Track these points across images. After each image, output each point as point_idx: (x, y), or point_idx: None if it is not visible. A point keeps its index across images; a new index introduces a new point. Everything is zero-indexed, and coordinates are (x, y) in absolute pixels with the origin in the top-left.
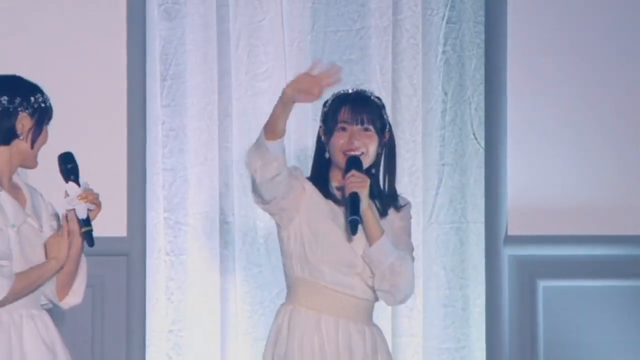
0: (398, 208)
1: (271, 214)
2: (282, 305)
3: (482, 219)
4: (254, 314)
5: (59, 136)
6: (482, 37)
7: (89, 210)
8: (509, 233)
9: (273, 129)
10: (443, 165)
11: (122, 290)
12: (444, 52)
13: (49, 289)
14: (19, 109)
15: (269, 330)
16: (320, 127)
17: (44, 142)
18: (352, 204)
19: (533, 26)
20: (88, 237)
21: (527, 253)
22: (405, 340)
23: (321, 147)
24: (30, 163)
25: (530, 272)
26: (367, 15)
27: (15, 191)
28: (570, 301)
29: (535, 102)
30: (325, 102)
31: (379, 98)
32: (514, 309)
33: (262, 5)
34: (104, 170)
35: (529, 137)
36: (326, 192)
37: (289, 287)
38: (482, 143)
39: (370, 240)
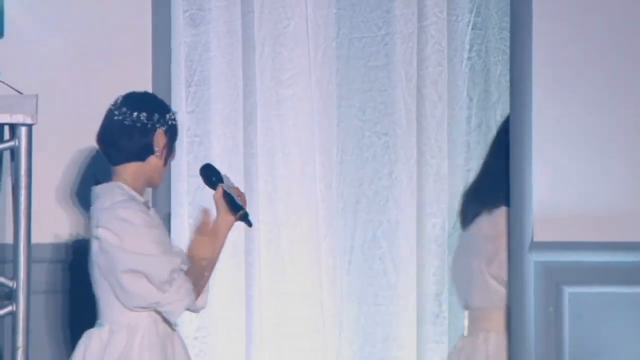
0: None
1: None
2: None
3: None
4: (279, 321)
5: (85, 142)
6: (508, 43)
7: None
8: (535, 239)
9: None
10: (468, 171)
11: None
12: (469, 58)
13: None
14: (157, 126)
15: None
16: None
17: (173, 158)
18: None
19: (558, 32)
20: (246, 219)
21: (552, 259)
22: (431, 347)
23: None
24: (158, 180)
25: (556, 278)
26: (392, 21)
27: None
28: (597, 308)
29: (561, 108)
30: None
31: None
32: (539, 315)
33: (286, 12)
34: None
35: (555, 143)
36: None
37: None
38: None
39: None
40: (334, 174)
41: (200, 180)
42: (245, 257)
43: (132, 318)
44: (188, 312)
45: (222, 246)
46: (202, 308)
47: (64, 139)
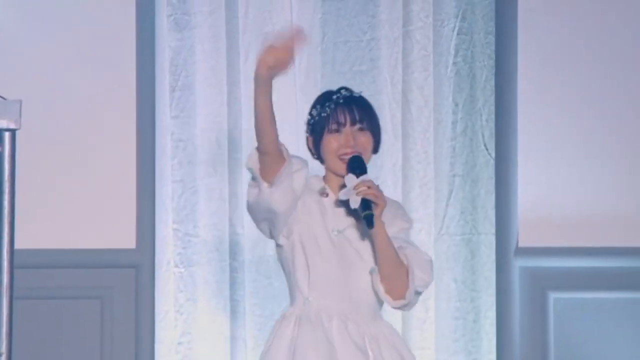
0: None
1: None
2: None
3: (493, 231)
4: (263, 326)
5: (68, 146)
6: (493, 48)
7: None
8: (520, 245)
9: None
10: (454, 176)
11: (131, 302)
12: (454, 63)
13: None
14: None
15: None
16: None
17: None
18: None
19: (544, 37)
20: (367, 220)
21: (538, 265)
22: (417, 352)
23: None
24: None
25: (542, 283)
26: (378, 26)
27: None
28: (582, 313)
29: (547, 113)
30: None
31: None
32: (525, 321)
33: (271, 17)
34: (113, 182)
35: (540, 149)
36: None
37: None
38: (493, 154)
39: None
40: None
41: (184, 184)
42: (230, 261)
43: None
44: (173, 318)
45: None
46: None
47: (48, 144)
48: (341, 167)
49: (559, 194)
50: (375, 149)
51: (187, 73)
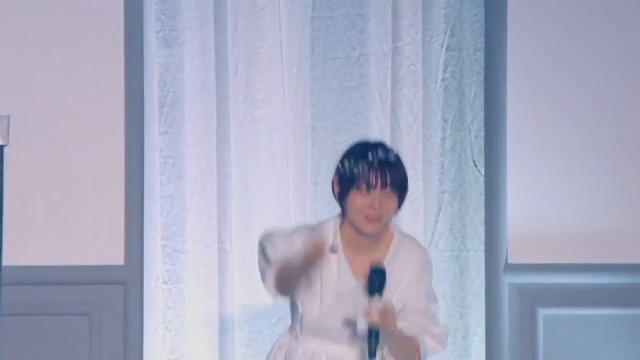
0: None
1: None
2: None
3: (482, 247)
4: (252, 342)
5: (57, 162)
6: (482, 64)
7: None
8: (509, 261)
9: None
10: (443, 192)
11: (120, 318)
12: (443, 79)
13: None
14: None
15: None
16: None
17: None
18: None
19: (533, 54)
20: (370, 352)
21: (527, 281)
22: None
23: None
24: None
25: (531, 300)
26: (367, 42)
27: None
28: (571, 330)
29: (535, 129)
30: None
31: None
32: (514, 337)
33: (260, 33)
34: (101, 198)
35: (529, 165)
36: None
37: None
38: (482, 170)
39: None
40: (308, 195)
41: (172, 200)
42: (218, 278)
43: None
44: (161, 335)
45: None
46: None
47: (36, 160)
48: (361, 223)
49: (549, 210)
50: (399, 207)
51: (176, 89)
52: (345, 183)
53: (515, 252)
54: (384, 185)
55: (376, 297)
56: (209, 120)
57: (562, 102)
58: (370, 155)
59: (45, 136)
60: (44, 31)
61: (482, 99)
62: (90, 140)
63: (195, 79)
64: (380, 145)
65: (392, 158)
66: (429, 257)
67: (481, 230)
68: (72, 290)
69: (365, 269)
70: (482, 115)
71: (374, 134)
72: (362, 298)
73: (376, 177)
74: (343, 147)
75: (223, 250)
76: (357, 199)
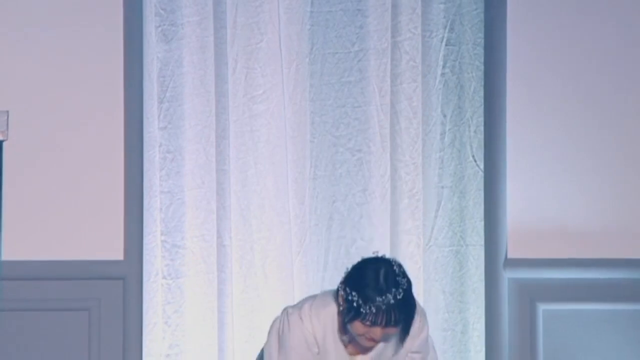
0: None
1: None
2: None
3: (482, 242)
4: (251, 337)
5: (56, 157)
6: (482, 59)
7: None
8: (509, 256)
9: None
10: (442, 187)
11: (119, 314)
12: (443, 74)
13: None
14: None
15: None
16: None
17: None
18: None
19: (532, 48)
20: None
21: (526, 276)
22: None
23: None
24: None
25: (530, 295)
26: (366, 37)
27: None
28: (570, 325)
29: (535, 124)
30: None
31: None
32: (513, 332)
33: (259, 28)
34: (101, 193)
35: (529, 160)
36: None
37: None
38: (482, 165)
39: None
40: (307, 190)
41: (172, 196)
42: (217, 273)
43: None
44: (160, 330)
45: None
46: None
47: (35, 156)
48: (361, 341)
49: (548, 205)
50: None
51: (175, 84)
52: (351, 312)
53: (514, 247)
54: (388, 325)
55: None
56: (208, 116)
57: (561, 98)
58: (379, 299)
59: (44, 131)
60: (42, 26)
61: (481, 94)
62: (89, 136)
63: (195, 75)
64: (394, 288)
65: (399, 296)
66: (426, 318)
67: (480, 225)
68: (72, 285)
69: (360, 347)
70: (481, 110)
71: (373, 129)
72: None
73: (383, 319)
74: (342, 142)
75: (222, 246)
76: (360, 327)
